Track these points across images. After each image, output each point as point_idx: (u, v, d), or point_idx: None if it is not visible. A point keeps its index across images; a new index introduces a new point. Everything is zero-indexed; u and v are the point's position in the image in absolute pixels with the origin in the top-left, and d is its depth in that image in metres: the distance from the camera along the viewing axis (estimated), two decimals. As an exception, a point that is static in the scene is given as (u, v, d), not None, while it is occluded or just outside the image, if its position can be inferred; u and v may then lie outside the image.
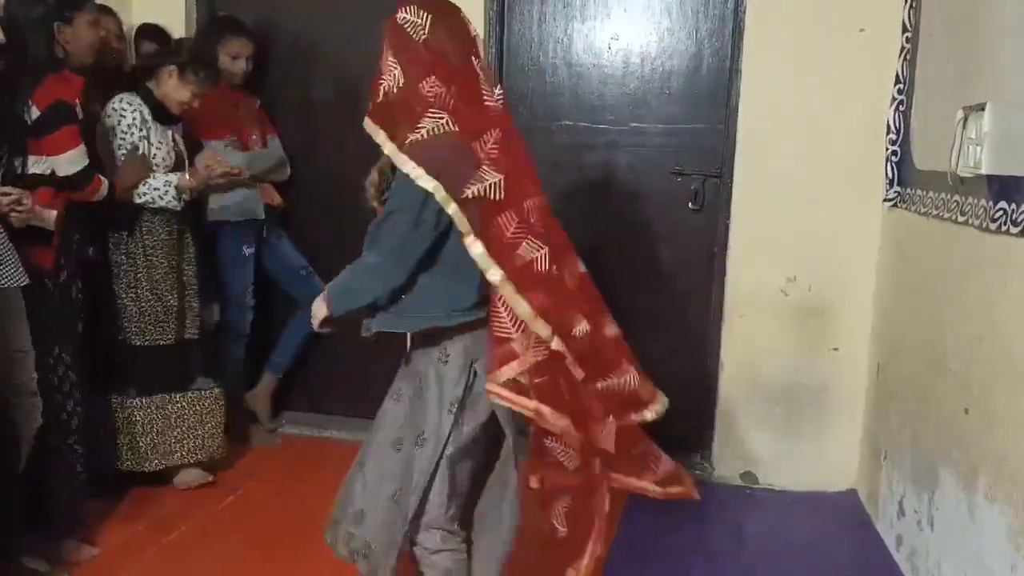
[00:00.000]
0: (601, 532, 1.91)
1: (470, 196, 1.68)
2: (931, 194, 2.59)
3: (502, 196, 1.71)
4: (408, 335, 1.95)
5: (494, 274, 1.69)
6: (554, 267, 1.77)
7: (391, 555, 1.94)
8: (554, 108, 3.51)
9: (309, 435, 3.78)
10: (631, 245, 3.50)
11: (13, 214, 2.32)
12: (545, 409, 1.72)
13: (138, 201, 2.93)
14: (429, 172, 1.68)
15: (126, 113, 2.91)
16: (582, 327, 1.79)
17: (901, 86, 3.00)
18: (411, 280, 1.81)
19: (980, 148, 1.94)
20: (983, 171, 1.95)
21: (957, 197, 2.33)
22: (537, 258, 1.73)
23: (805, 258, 3.27)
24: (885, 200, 3.09)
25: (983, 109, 1.93)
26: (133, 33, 3.49)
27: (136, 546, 2.76)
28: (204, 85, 3.00)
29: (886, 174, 3.07)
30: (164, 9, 3.62)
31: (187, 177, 3.03)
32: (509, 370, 1.71)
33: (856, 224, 3.21)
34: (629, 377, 1.91)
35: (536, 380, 1.73)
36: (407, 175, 1.70)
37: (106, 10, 3.01)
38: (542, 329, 1.70)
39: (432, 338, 1.88)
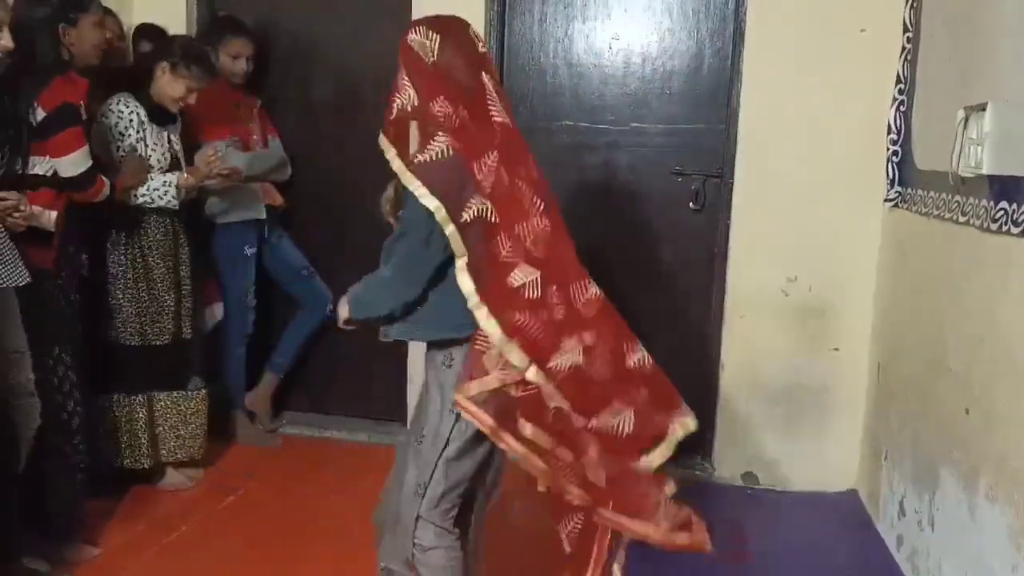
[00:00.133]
0: (599, 561, 1.91)
1: (467, 220, 1.74)
2: (932, 194, 2.59)
3: (497, 219, 1.76)
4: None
5: (471, 298, 1.75)
6: (552, 292, 1.79)
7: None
8: (555, 108, 3.51)
9: (309, 435, 3.78)
10: (632, 245, 3.50)
11: (10, 219, 2.32)
12: (506, 434, 1.77)
13: (137, 201, 2.93)
14: (433, 192, 1.74)
15: (123, 114, 2.91)
16: (569, 358, 1.79)
17: (902, 86, 3.00)
18: (424, 294, 1.86)
19: (981, 148, 1.94)
20: (984, 171, 1.95)
21: (958, 197, 2.32)
22: (528, 284, 1.77)
23: (806, 258, 3.27)
24: (886, 200, 3.09)
25: (984, 109, 1.93)
26: (132, 33, 3.49)
27: (136, 546, 2.76)
28: (198, 79, 2.98)
29: (887, 174, 3.07)
30: (164, 9, 3.62)
31: (185, 176, 3.03)
32: (476, 385, 1.76)
33: (857, 224, 3.21)
34: (623, 419, 1.83)
35: (521, 394, 1.76)
36: (413, 193, 1.77)
37: (107, 11, 3.00)
38: (515, 355, 1.74)
39: (441, 343, 1.92)
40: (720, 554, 2.84)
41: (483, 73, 1.83)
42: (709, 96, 3.38)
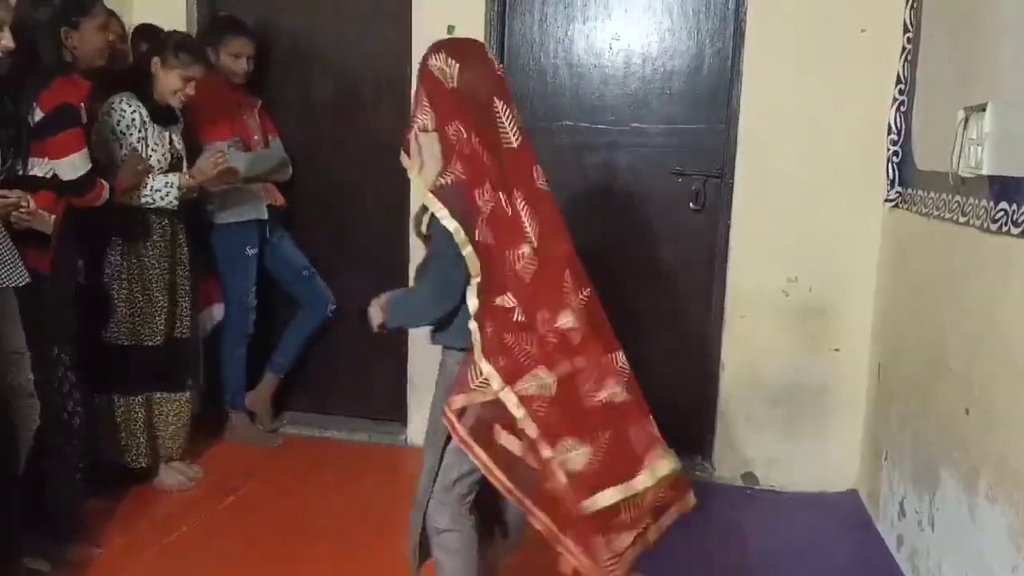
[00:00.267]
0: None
1: (477, 242, 1.84)
2: (932, 194, 2.59)
3: (494, 243, 1.86)
4: None
5: (473, 315, 1.86)
6: (540, 318, 1.86)
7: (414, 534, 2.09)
8: (555, 108, 3.51)
9: (309, 435, 3.78)
10: (632, 245, 3.50)
11: (13, 216, 2.31)
12: (475, 446, 1.88)
13: (139, 202, 2.93)
14: (452, 215, 1.85)
15: (124, 113, 2.91)
16: (535, 383, 1.85)
17: (902, 86, 3.00)
18: (458, 308, 1.94)
19: (981, 148, 1.94)
20: (984, 172, 1.95)
21: (958, 197, 2.32)
22: (515, 308, 1.86)
23: (806, 258, 3.27)
24: (886, 200, 3.09)
25: (984, 110, 1.93)
26: (131, 34, 3.49)
27: (136, 546, 2.76)
28: (188, 66, 2.98)
29: (887, 174, 3.07)
30: (164, 9, 3.62)
31: (187, 176, 3.03)
32: (460, 399, 1.88)
33: (857, 224, 3.21)
34: (577, 455, 1.84)
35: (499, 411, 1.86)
36: (436, 215, 1.86)
37: (110, 13, 3.01)
38: (488, 369, 1.83)
39: (464, 349, 1.98)
40: (720, 554, 2.87)
41: (496, 97, 1.90)
42: (709, 96, 3.38)
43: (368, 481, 3.36)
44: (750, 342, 3.35)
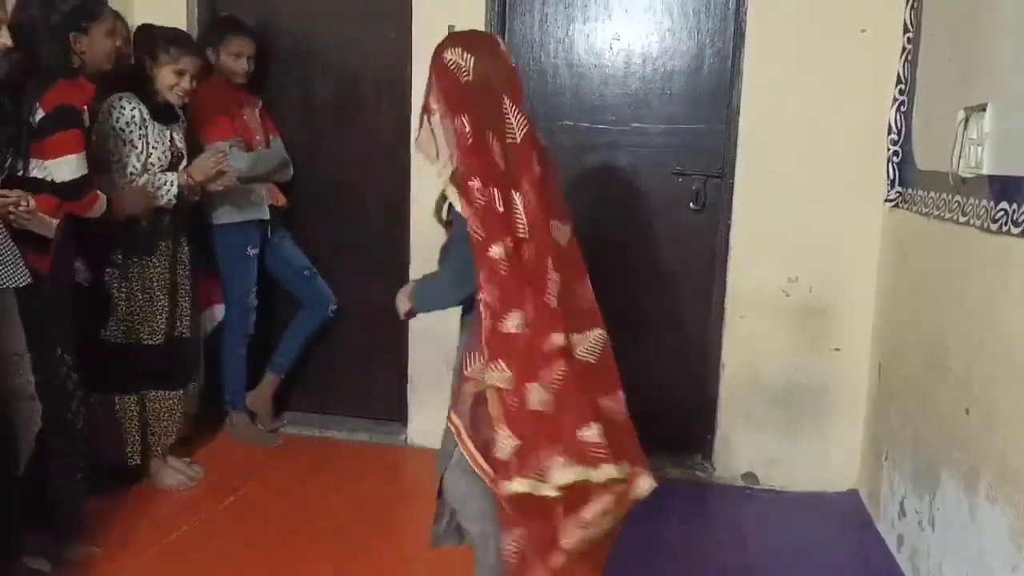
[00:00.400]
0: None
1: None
2: (932, 194, 2.59)
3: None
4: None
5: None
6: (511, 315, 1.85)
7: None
8: (555, 108, 3.51)
9: (310, 435, 3.78)
10: (632, 245, 3.50)
11: (13, 214, 2.29)
12: (465, 436, 1.89)
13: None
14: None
15: (124, 111, 2.91)
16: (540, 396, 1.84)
17: (902, 86, 3.00)
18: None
19: (981, 148, 1.94)
20: (984, 171, 1.95)
21: (958, 197, 2.32)
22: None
23: (806, 258, 3.27)
24: (886, 200, 3.09)
25: (984, 109, 1.93)
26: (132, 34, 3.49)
27: (136, 546, 2.76)
28: (181, 59, 2.99)
29: (887, 174, 3.07)
30: (165, 10, 3.62)
31: (187, 176, 3.03)
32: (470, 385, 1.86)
33: (857, 224, 3.21)
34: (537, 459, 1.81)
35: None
36: (453, 202, 1.88)
37: (117, 16, 3.01)
38: (491, 373, 1.81)
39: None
40: (720, 554, 2.87)
41: (507, 91, 1.91)
42: (710, 96, 3.38)
43: (368, 481, 3.36)
44: (750, 342, 3.35)
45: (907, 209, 2.90)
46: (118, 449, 3.05)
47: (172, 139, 3.06)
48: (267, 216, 3.52)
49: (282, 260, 3.66)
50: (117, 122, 2.90)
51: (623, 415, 1.92)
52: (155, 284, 3.02)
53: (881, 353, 3.13)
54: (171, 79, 2.99)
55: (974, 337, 2.21)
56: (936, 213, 2.53)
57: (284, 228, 3.67)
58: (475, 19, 3.36)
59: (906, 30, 2.99)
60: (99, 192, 2.62)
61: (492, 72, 1.91)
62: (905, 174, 2.97)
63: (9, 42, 2.24)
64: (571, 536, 1.82)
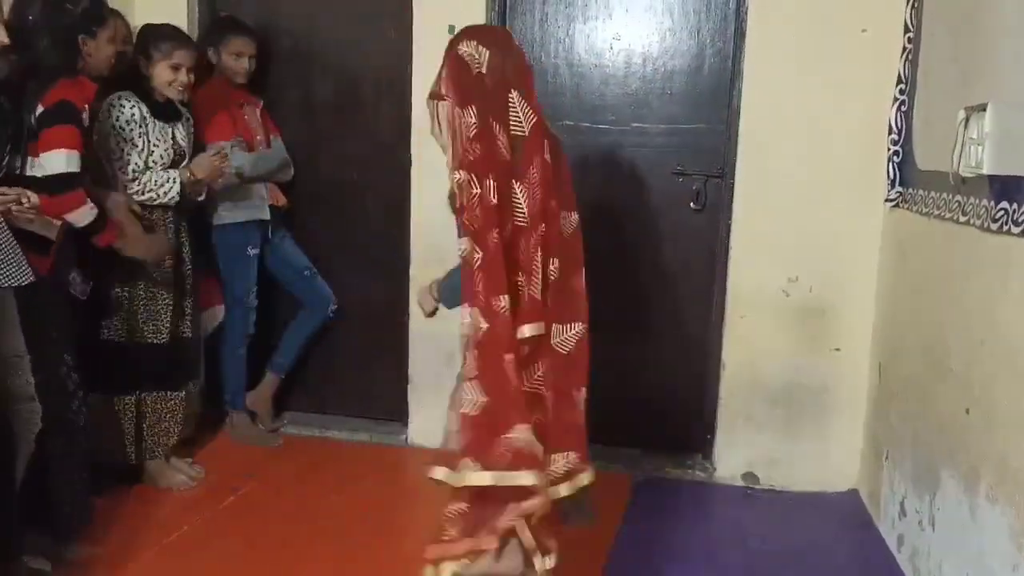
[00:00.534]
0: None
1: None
2: (932, 194, 2.59)
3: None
4: None
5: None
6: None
7: None
8: (556, 108, 3.50)
9: (310, 435, 3.78)
10: (632, 245, 3.50)
11: (15, 210, 2.26)
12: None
13: (140, 198, 2.94)
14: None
15: (123, 109, 2.92)
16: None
17: (903, 86, 3.00)
18: None
19: (981, 148, 1.94)
20: (984, 171, 1.95)
21: (958, 197, 2.32)
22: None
23: (806, 258, 3.27)
24: (886, 200, 3.09)
25: (984, 109, 1.93)
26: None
27: (136, 546, 2.76)
28: (174, 53, 2.99)
29: (887, 174, 3.07)
30: (166, 10, 3.61)
31: (188, 174, 3.03)
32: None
33: (857, 224, 3.21)
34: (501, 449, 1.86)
35: None
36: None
37: (119, 16, 3.02)
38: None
39: None
40: (720, 554, 2.87)
41: (517, 85, 1.94)
42: (710, 96, 3.38)
43: (368, 481, 3.36)
44: (750, 342, 3.34)
45: (907, 209, 2.90)
46: (118, 449, 3.06)
47: (174, 137, 3.07)
48: (267, 216, 3.52)
49: (282, 260, 3.66)
50: (117, 121, 2.91)
51: (577, 412, 1.98)
52: (159, 282, 3.02)
53: (881, 353, 3.13)
54: (167, 75, 2.99)
55: (974, 337, 2.21)
56: (936, 213, 2.53)
57: (284, 228, 3.67)
58: (475, 19, 3.36)
59: (906, 30, 2.99)
60: (87, 200, 2.57)
61: (505, 66, 1.94)
62: (905, 174, 2.97)
63: (6, 40, 2.24)
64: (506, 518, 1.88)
